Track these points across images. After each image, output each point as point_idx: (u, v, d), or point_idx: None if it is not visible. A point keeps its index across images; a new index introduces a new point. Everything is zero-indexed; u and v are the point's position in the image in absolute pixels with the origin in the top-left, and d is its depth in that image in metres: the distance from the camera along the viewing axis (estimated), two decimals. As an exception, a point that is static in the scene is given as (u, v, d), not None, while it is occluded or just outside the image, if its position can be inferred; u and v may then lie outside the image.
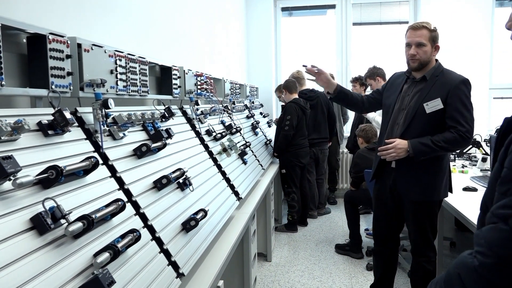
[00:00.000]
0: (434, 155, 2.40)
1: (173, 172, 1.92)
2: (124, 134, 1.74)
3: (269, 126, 5.60)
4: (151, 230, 1.57)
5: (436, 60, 2.51)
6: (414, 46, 2.43)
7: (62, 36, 1.45)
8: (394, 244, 2.83)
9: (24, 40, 1.42)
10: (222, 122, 3.32)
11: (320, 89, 4.15)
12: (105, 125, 1.59)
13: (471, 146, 4.45)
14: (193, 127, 2.64)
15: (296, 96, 4.78)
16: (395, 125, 2.55)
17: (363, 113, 4.39)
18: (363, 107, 2.87)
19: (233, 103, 4.10)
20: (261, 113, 5.52)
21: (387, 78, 4.56)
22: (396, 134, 2.51)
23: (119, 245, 1.24)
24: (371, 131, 4.12)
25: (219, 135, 2.91)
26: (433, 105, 2.39)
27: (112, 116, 1.70)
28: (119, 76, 1.82)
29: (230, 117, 3.66)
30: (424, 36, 2.42)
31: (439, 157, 2.47)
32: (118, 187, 1.52)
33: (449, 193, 2.61)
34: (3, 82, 1.18)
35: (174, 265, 1.58)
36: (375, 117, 4.42)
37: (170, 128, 2.07)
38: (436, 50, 2.46)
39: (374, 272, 3.00)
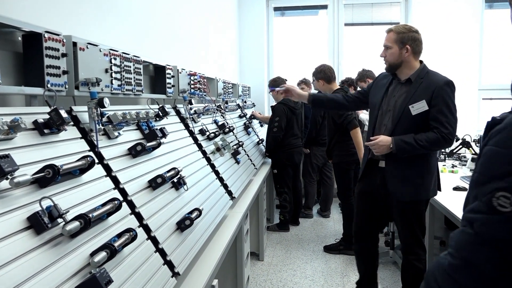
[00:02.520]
0: (415, 153, 2.44)
1: (168, 171, 1.92)
2: (119, 133, 1.73)
3: (261, 125, 5.61)
4: (147, 229, 1.57)
5: (421, 61, 2.54)
6: (384, 48, 2.54)
7: (58, 35, 1.45)
8: (374, 241, 2.90)
9: (20, 38, 1.42)
10: (215, 122, 3.33)
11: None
12: (100, 124, 1.59)
13: (460, 146, 4.51)
14: (186, 126, 2.64)
15: None
16: (382, 126, 2.60)
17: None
18: (348, 106, 2.96)
19: (226, 102, 4.10)
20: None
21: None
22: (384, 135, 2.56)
23: (116, 244, 1.25)
24: (328, 69, 4.02)
25: (212, 134, 2.91)
26: (419, 107, 2.42)
27: (107, 115, 1.69)
28: (114, 75, 1.82)
29: (223, 117, 3.66)
30: (390, 39, 2.50)
31: (427, 157, 2.51)
32: (113, 186, 1.52)
33: (438, 192, 2.66)
34: (-1, 81, 1.18)
35: (170, 264, 1.59)
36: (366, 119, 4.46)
37: (164, 128, 2.08)
38: (407, 51, 2.47)
39: (358, 269, 3.04)
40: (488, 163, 0.69)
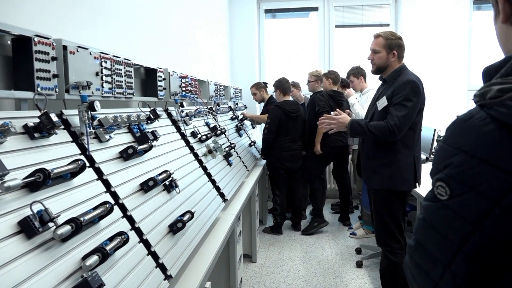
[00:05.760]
0: (366, 137, 2.71)
1: (160, 174, 1.92)
2: (110, 136, 1.73)
3: (253, 127, 5.62)
4: (139, 232, 1.57)
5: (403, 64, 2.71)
6: (371, 52, 2.71)
7: (48, 38, 1.44)
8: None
9: (9, 42, 1.41)
10: (207, 124, 3.33)
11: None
12: (91, 128, 1.58)
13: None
14: (178, 129, 2.64)
15: (287, 98, 4.76)
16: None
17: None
18: None
19: (218, 104, 4.11)
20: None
21: (367, 79, 4.84)
22: None
23: (108, 248, 1.24)
24: (337, 74, 4.76)
25: (204, 136, 2.91)
26: (381, 102, 2.65)
27: (98, 119, 1.69)
28: (104, 78, 1.81)
29: (215, 119, 3.66)
30: (379, 43, 2.67)
31: (392, 149, 2.63)
32: (105, 189, 1.51)
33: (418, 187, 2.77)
34: (-12, 85, 1.17)
35: (162, 267, 1.59)
36: (355, 104, 4.68)
37: (155, 130, 2.08)
38: (394, 56, 2.65)
39: None
40: (436, 157, 0.78)
